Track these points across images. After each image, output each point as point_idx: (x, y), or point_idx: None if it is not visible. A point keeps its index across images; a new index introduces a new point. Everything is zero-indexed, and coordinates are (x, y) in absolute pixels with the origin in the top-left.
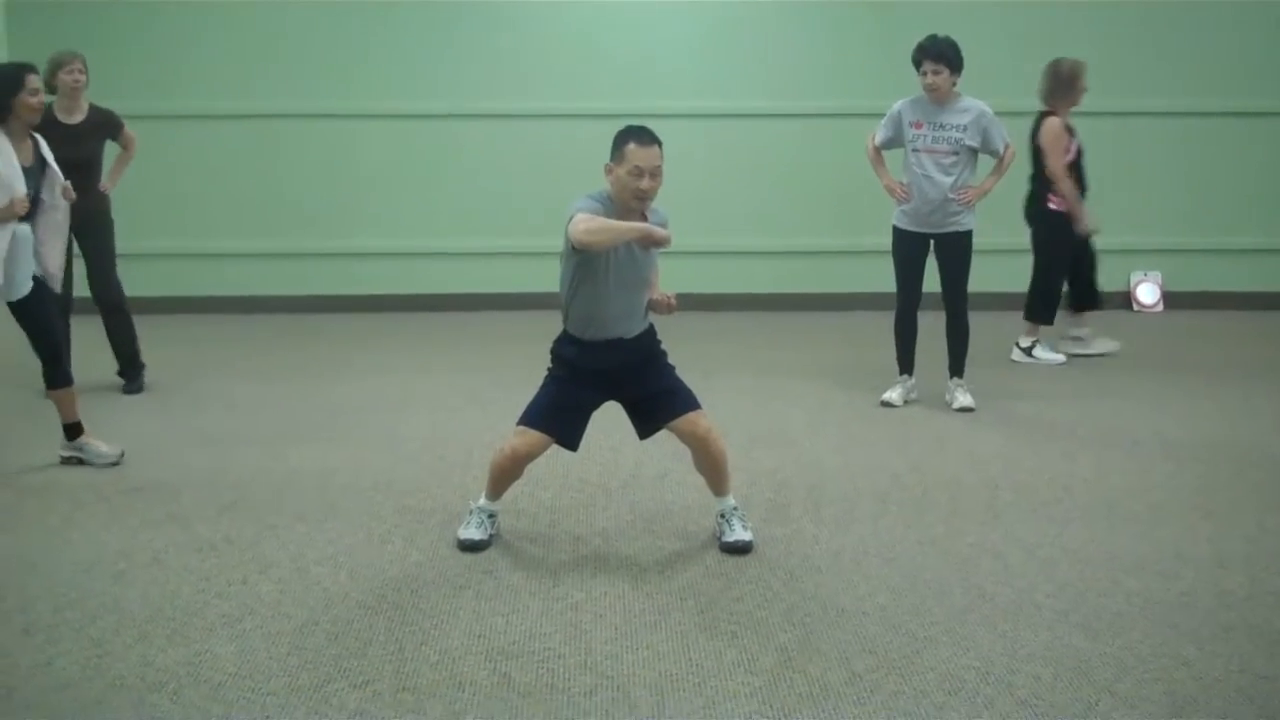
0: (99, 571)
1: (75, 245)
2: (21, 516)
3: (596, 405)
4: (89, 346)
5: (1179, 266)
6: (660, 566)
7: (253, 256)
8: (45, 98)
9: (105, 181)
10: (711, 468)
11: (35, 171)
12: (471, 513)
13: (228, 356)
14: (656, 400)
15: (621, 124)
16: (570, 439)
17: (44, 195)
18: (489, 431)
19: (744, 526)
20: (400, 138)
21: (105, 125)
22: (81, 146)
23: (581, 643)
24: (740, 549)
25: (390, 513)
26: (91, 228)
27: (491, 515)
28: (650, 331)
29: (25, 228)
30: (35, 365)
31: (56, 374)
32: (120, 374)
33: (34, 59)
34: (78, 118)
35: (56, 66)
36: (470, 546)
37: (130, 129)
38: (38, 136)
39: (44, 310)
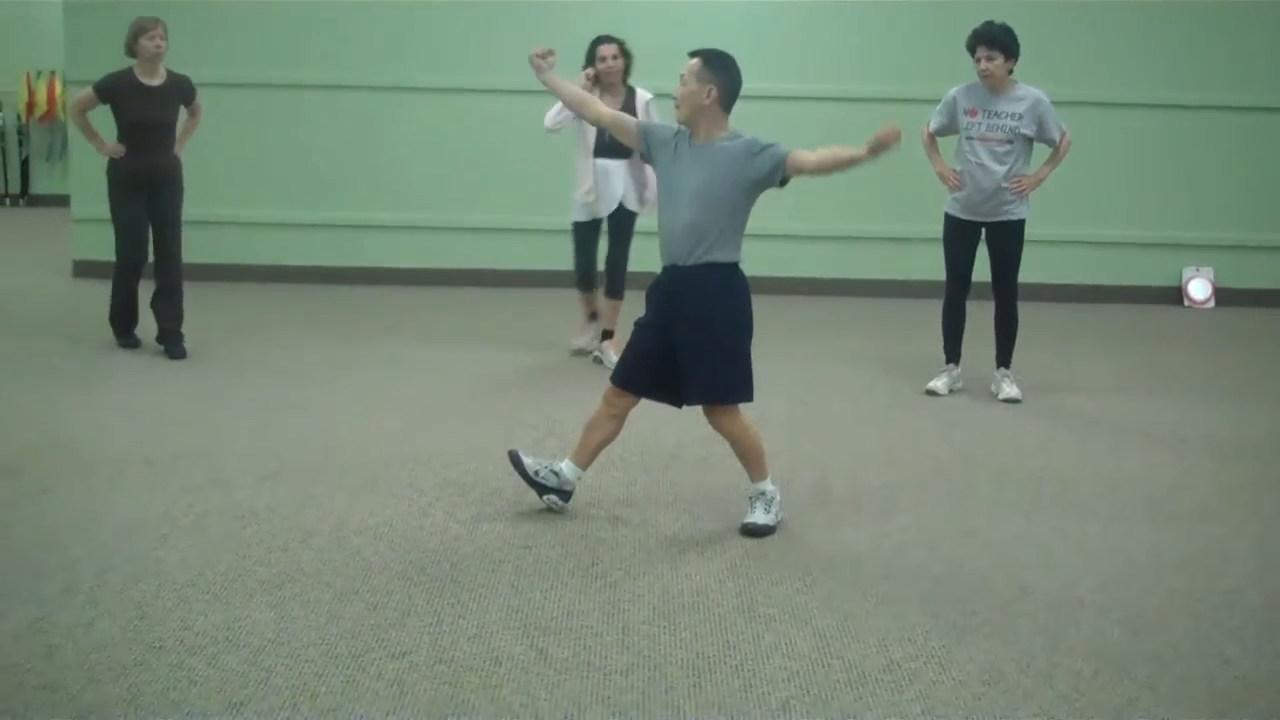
0: (141, 535)
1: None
2: (66, 479)
3: (656, 352)
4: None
5: (1231, 263)
6: (699, 548)
7: (298, 226)
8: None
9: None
10: (739, 457)
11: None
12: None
13: (270, 325)
14: (688, 370)
15: (668, 102)
16: (625, 378)
17: None
18: (530, 408)
19: (766, 510)
20: (448, 111)
21: (182, 90)
22: (163, 108)
23: (619, 621)
24: (753, 531)
25: (430, 485)
26: (167, 187)
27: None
28: (723, 287)
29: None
30: (82, 326)
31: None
32: (161, 340)
33: (92, 41)
34: (157, 80)
35: (139, 32)
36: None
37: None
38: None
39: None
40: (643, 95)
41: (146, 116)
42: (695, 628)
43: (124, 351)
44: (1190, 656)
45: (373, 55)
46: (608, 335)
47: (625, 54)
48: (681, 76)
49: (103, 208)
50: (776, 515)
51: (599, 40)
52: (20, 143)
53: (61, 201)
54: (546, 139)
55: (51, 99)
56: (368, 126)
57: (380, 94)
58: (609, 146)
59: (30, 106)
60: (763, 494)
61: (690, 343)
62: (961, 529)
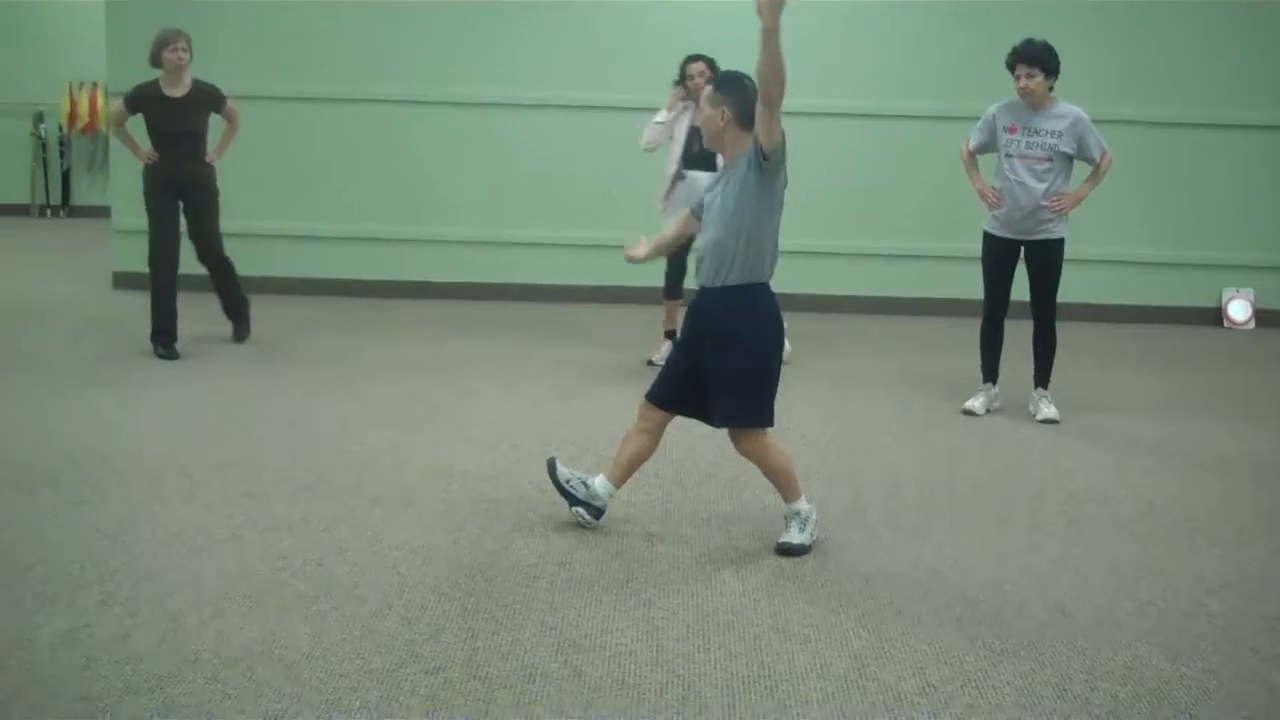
0: (178, 546)
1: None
2: (104, 490)
3: (689, 370)
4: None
5: (1272, 284)
6: (734, 566)
7: (339, 240)
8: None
9: (212, 152)
10: (768, 479)
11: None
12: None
13: (305, 339)
14: (712, 392)
15: None
16: (658, 393)
17: None
18: (566, 424)
19: (801, 529)
20: (488, 126)
21: (208, 99)
22: (185, 118)
23: (654, 639)
24: (788, 551)
25: (465, 500)
26: (200, 194)
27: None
28: (751, 306)
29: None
30: (122, 337)
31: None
32: (229, 316)
33: (134, 51)
34: (181, 91)
35: (161, 45)
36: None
37: (234, 104)
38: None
39: None
40: None
41: (172, 126)
42: (730, 647)
43: (163, 363)
44: (1230, 683)
45: (395, 68)
46: (670, 335)
47: (715, 70)
48: (700, 105)
49: (143, 220)
50: (811, 535)
51: (689, 59)
52: (62, 154)
53: (102, 213)
54: (575, 154)
55: (93, 110)
56: (395, 139)
57: (404, 107)
58: (696, 158)
59: (72, 117)
60: (797, 514)
61: (714, 364)
62: (999, 550)
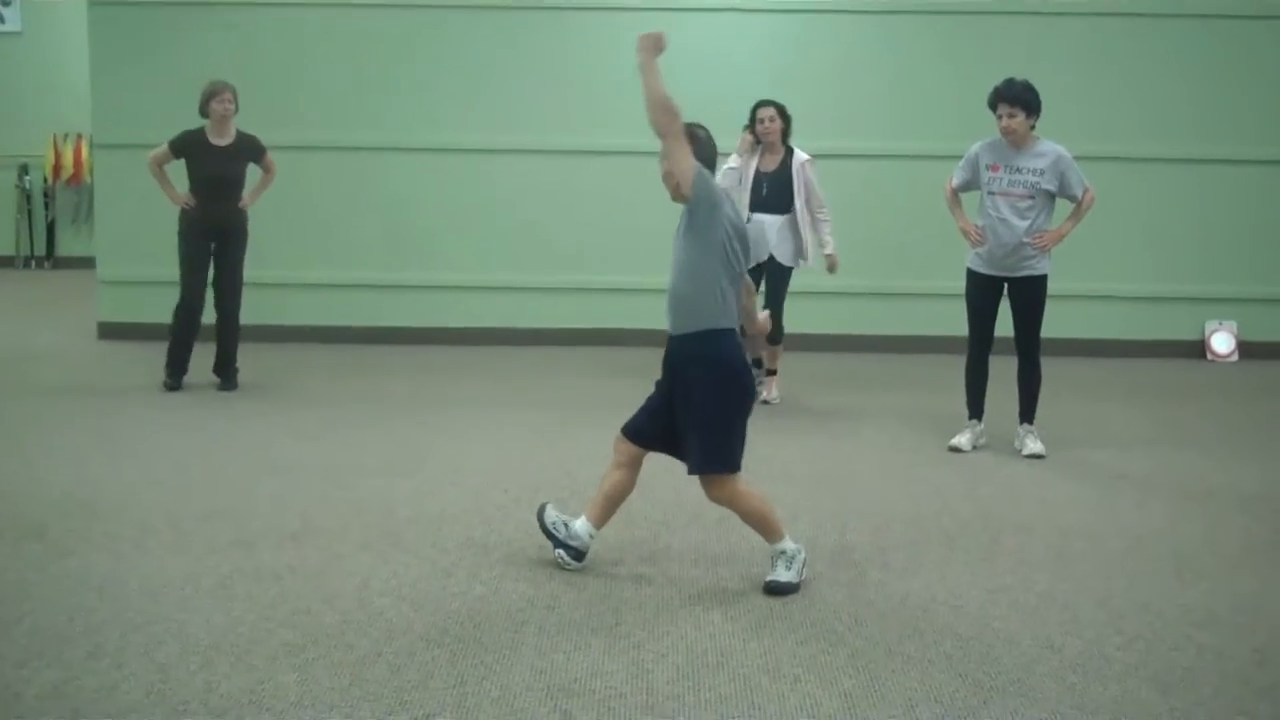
0: (165, 596)
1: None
2: (91, 540)
3: (663, 410)
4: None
5: (1255, 316)
6: (724, 607)
7: (324, 286)
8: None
9: (246, 197)
10: (745, 522)
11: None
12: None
13: (293, 386)
14: (681, 440)
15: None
16: (632, 427)
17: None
18: (554, 467)
19: (788, 568)
20: (474, 172)
21: (250, 149)
22: (229, 165)
23: (644, 682)
24: (775, 590)
25: (454, 546)
26: (233, 238)
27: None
28: (703, 354)
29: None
30: (108, 388)
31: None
32: (216, 372)
33: (119, 103)
34: (226, 140)
35: (210, 96)
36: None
37: (271, 156)
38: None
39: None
40: (800, 156)
41: (215, 173)
42: (720, 688)
43: (148, 413)
44: (1220, 715)
45: (378, 116)
46: (771, 373)
47: (783, 116)
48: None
49: (128, 270)
50: (799, 573)
51: (759, 104)
52: (46, 205)
53: (87, 264)
54: (571, 198)
55: (78, 161)
56: (402, 188)
57: (389, 155)
58: (764, 202)
59: (56, 169)
60: (783, 553)
61: (681, 412)
62: (987, 587)
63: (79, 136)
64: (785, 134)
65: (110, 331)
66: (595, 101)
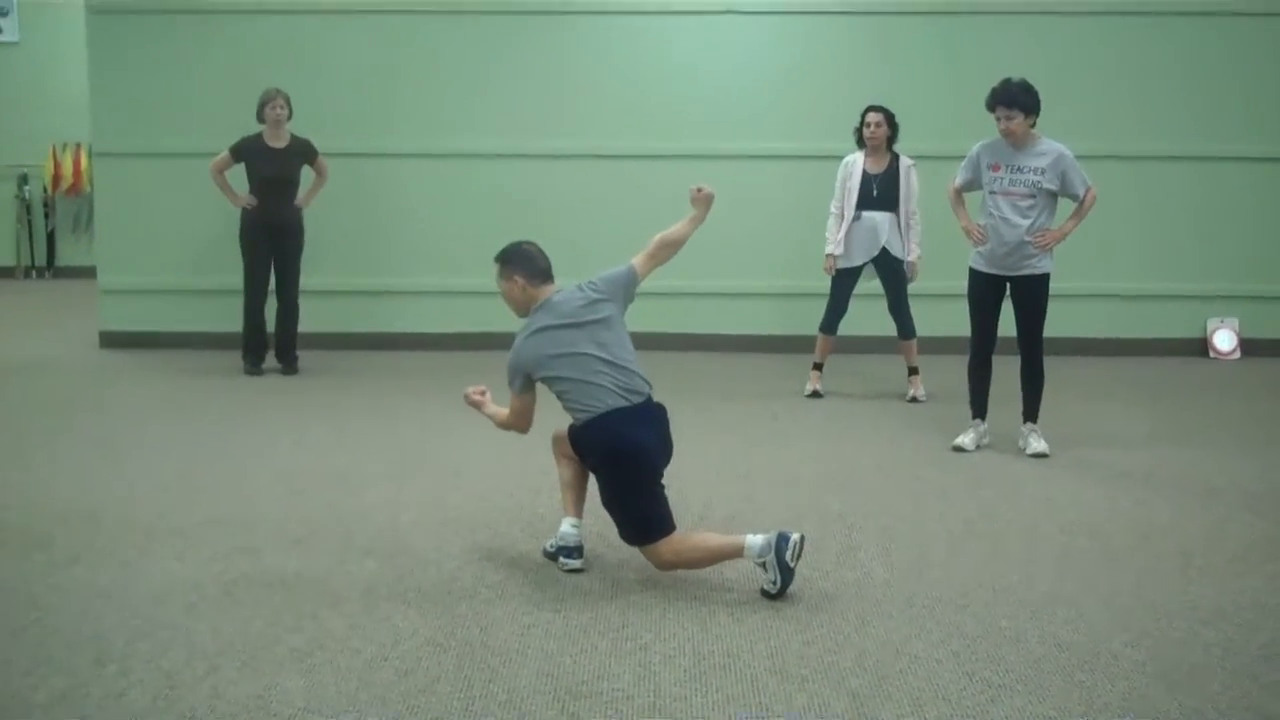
0: (171, 603)
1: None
2: (96, 548)
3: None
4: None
5: (1256, 313)
6: (730, 609)
7: (325, 293)
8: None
9: (302, 197)
10: (706, 566)
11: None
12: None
13: (297, 391)
14: None
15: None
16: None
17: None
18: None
19: (768, 569)
20: (478, 177)
21: (304, 151)
22: (285, 166)
23: (651, 684)
24: (773, 595)
25: (459, 550)
26: (290, 234)
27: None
28: (588, 444)
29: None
30: (110, 397)
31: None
32: (278, 358)
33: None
34: (282, 143)
35: (265, 102)
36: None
37: (324, 158)
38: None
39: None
40: (905, 161)
41: (272, 174)
42: (727, 689)
43: (152, 422)
44: (1228, 712)
45: (393, 123)
46: (913, 370)
47: (890, 123)
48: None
49: (129, 279)
50: (788, 564)
51: (868, 109)
52: (46, 215)
53: (88, 273)
54: (576, 203)
55: (77, 171)
56: (392, 192)
57: (387, 160)
58: (874, 201)
59: (56, 179)
60: (761, 565)
61: None
62: (993, 586)
63: (78, 146)
64: (891, 139)
65: (112, 340)
66: (600, 106)
